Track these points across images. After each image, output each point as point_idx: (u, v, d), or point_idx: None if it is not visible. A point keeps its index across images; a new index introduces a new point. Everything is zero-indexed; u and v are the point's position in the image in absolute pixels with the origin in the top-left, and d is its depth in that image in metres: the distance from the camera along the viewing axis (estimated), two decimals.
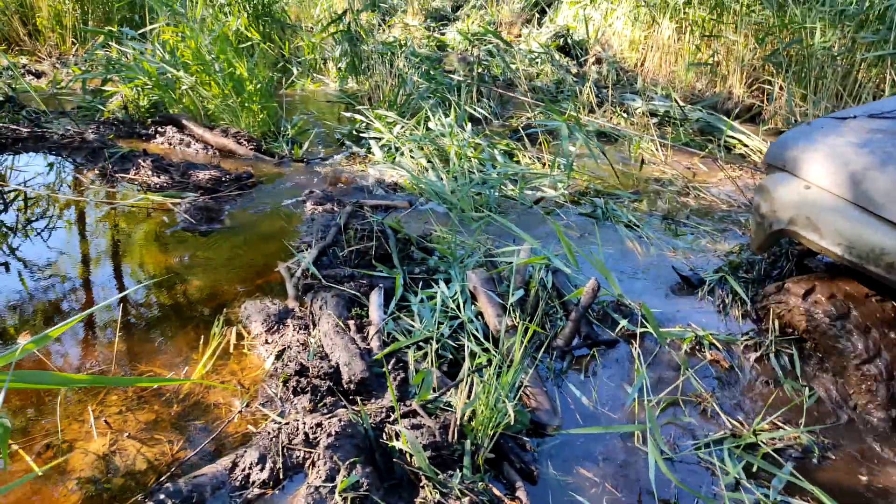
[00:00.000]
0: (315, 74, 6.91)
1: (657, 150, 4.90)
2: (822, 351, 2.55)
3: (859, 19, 4.99)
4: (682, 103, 5.64)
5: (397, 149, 4.68)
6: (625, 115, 5.63)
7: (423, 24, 9.05)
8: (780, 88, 5.45)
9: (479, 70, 6.82)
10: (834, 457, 2.25)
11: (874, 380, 2.35)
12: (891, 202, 2.20)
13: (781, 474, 2.11)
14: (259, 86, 5.21)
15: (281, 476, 1.99)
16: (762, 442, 2.25)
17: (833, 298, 2.50)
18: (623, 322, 2.90)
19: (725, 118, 5.27)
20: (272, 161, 4.82)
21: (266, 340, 2.69)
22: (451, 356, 2.65)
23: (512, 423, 2.17)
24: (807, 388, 2.51)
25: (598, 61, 7.11)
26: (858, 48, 5.06)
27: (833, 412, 2.42)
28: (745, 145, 4.94)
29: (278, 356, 2.58)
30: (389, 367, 2.45)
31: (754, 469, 2.17)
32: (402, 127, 4.91)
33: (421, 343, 2.66)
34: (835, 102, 5.19)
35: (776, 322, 2.72)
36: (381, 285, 2.94)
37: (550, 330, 2.88)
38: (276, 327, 2.74)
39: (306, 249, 3.29)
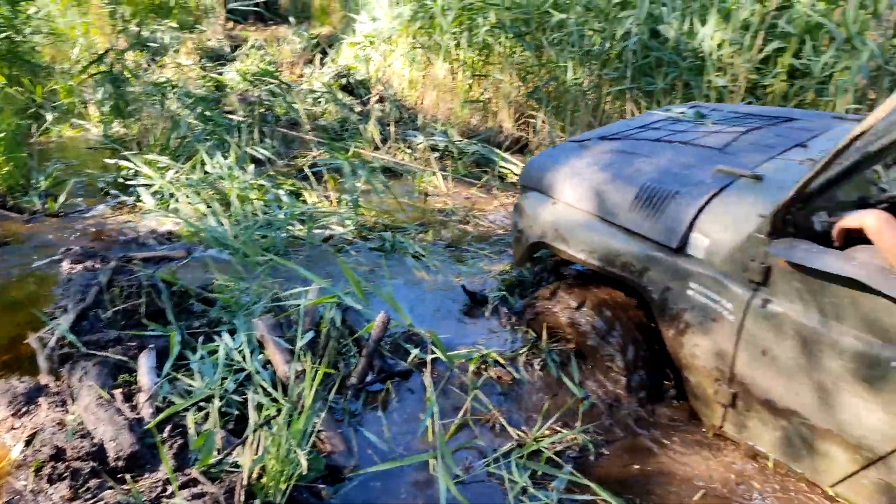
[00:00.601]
0: (74, 120, 6.27)
1: (440, 182, 5.11)
2: (579, 346, 2.80)
3: (603, 59, 5.67)
4: (459, 138, 5.97)
5: (172, 195, 4.37)
6: (408, 150, 5.82)
7: (199, 64, 8.65)
8: (543, 121, 6.00)
9: (261, 110, 6.66)
10: (607, 451, 2.46)
11: (612, 361, 2.64)
12: (621, 211, 2.52)
13: (562, 475, 2.25)
14: (3, 134, 4.60)
15: None
16: (544, 448, 2.38)
17: (572, 294, 2.78)
18: (415, 351, 2.94)
19: (498, 150, 5.67)
20: (21, 218, 4.25)
21: (12, 426, 2.32)
22: (238, 412, 2.49)
23: (305, 472, 2.08)
24: (579, 390, 2.71)
25: (381, 100, 7.31)
26: (604, 83, 5.75)
27: (603, 408, 2.65)
28: (516, 174, 5.34)
29: (28, 442, 2.23)
30: (164, 434, 2.23)
31: (539, 474, 2.29)
32: (177, 171, 4.61)
33: (203, 403, 2.47)
34: (588, 132, 5.82)
35: (545, 329, 2.94)
36: (152, 346, 2.68)
37: (345, 368, 2.84)
38: (25, 409, 2.37)
39: (62, 315, 2.91)
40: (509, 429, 2.51)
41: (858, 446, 1.97)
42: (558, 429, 2.51)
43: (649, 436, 2.51)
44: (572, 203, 2.72)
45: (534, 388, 2.79)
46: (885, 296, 1.80)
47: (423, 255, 3.82)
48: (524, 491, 2.20)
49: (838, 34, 4.27)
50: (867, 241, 1.94)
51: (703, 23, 4.84)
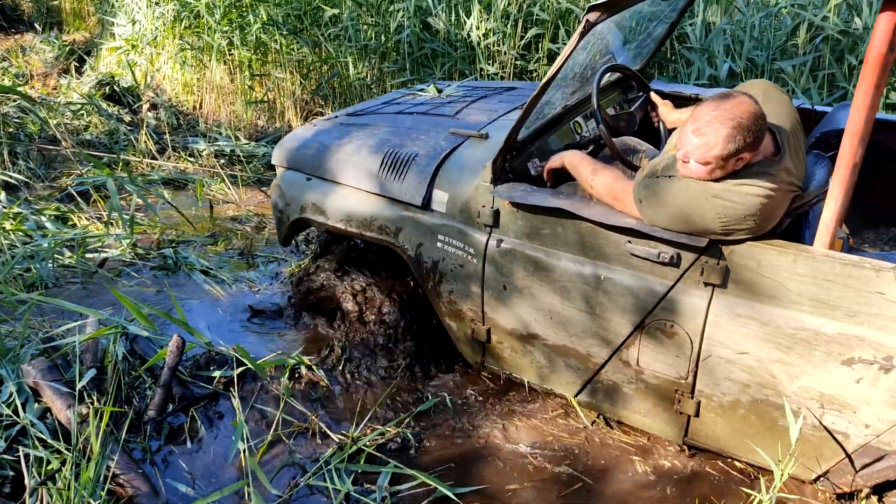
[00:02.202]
0: None
1: (229, 188, 4.87)
2: (361, 326, 2.92)
3: (381, 52, 5.74)
4: (246, 141, 5.73)
5: None
6: (191, 158, 5.46)
7: None
8: None
9: (10, 130, 5.84)
10: (426, 437, 2.51)
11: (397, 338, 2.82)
12: (371, 178, 2.65)
13: (386, 469, 2.26)
14: None
15: None
16: (365, 446, 2.38)
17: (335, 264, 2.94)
18: (218, 372, 2.77)
19: None
20: None
21: None
22: (13, 473, 2.18)
23: None
24: (391, 378, 2.75)
25: (154, 107, 6.77)
26: (386, 76, 5.83)
27: (409, 395, 2.70)
28: None
29: None
30: None
31: (363, 474, 2.28)
32: None
33: None
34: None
35: (323, 304, 3.04)
36: None
37: (140, 403, 2.60)
38: None
39: None
40: (330, 433, 2.46)
41: (588, 355, 2.28)
42: (377, 426, 2.51)
43: (460, 412, 2.62)
44: (326, 176, 2.81)
45: (348, 385, 2.77)
46: (586, 220, 2.10)
47: (212, 269, 3.62)
48: (347, 498, 2.18)
49: None
50: (573, 179, 2.26)
51: (469, 14, 5.10)
